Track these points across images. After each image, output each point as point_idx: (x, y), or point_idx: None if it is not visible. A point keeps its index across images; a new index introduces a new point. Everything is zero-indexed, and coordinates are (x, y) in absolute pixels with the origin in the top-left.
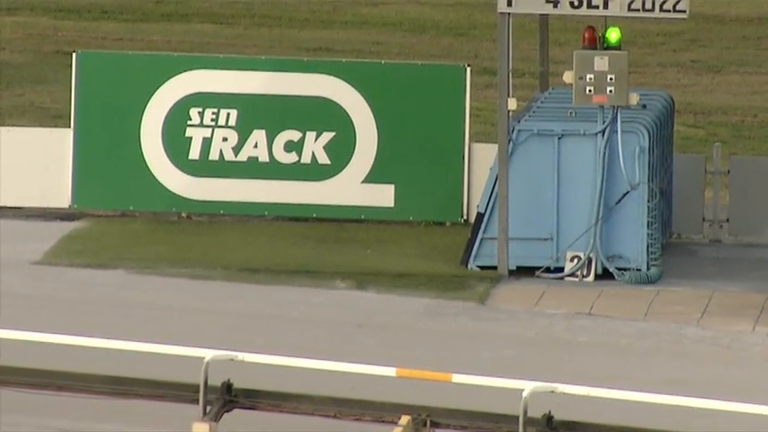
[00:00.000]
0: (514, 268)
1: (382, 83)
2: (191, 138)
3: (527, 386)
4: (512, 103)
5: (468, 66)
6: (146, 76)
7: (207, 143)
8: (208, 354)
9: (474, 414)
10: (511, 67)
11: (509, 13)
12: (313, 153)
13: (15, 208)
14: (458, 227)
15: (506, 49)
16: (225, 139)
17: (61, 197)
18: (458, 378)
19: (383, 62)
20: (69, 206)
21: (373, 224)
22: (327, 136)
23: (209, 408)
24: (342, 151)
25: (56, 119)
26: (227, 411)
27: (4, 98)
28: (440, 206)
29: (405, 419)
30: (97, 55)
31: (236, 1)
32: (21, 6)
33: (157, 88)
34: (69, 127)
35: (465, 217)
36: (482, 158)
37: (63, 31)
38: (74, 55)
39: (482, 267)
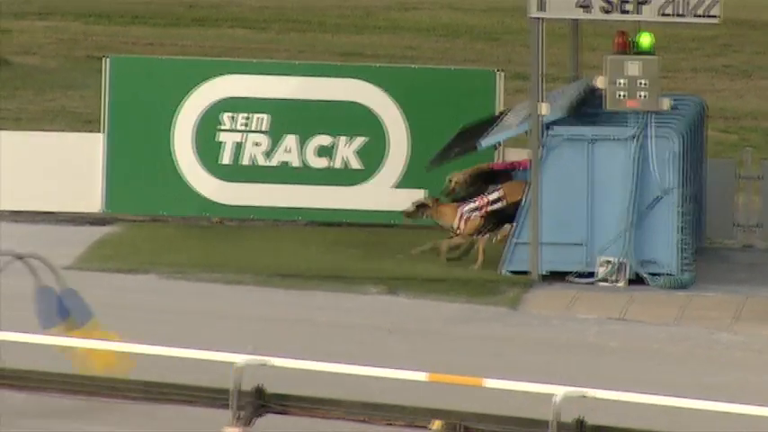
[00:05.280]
0: (546, 273)
1: (414, 88)
2: (222, 142)
3: (558, 391)
4: (544, 109)
5: (502, 71)
6: (177, 80)
7: (238, 148)
8: (239, 359)
9: (505, 419)
10: (543, 72)
11: (540, 18)
12: (345, 158)
13: (46, 213)
14: None
15: (538, 53)
16: (256, 144)
17: (92, 202)
18: (489, 383)
19: (415, 67)
20: (100, 211)
21: (405, 229)
22: (359, 141)
23: (240, 413)
24: (373, 156)
25: (87, 123)
26: (259, 416)
27: (36, 103)
28: None
29: (436, 424)
30: (129, 60)
31: (267, 6)
32: (52, 11)
33: (189, 93)
34: (100, 132)
35: None
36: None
37: (94, 36)
38: (106, 60)
39: (514, 272)
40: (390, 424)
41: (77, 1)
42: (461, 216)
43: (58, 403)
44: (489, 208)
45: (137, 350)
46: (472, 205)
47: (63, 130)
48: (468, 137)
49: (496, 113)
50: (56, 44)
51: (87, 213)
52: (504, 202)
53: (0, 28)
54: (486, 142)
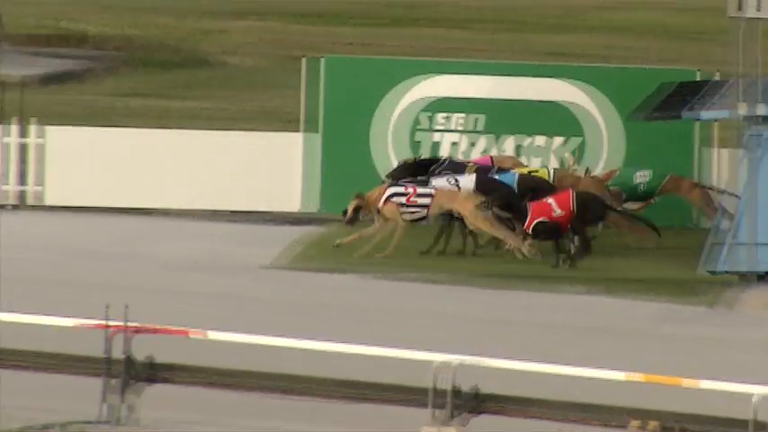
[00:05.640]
0: (759, 273)
1: (622, 87)
2: (435, 142)
3: (757, 390)
4: (746, 109)
5: (718, 70)
6: (391, 80)
7: (451, 147)
8: (436, 357)
9: (704, 418)
10: (757, 72)
11: (741, 18)
12: (557, 157)
13: (245, 212)
14: (687, 231)
15: (739, 53)
16: (471, 144)
17: (290, 201)
18: (690, 383)
19: (619, 67)
20: (300, 210)
21: (604, 229)
22: (573, 141)
23: (438, 412)
24: (587, 155)
25: (287, 123)
26: (457, 415)
27: (236, 102)
28: (670, 210)
29: (650, 425)
30: (343, 60)
31: (465, 6)
32: (251, 11)
33: (403, 93)
34: (299, 131)
35: (694, 222)
36: (727, 164)
37: (293, 36)
38: (320, 60)
39: (717, 272)
40: (605, 425)
41: (278, 1)
42: (385, 197)
43: (250, 401)
44: (413, 199)
45: (336, 349)
46: (400, 189)
47: (262, 130)
48: (677, 102)
49: (713, 80)
50: (255, 44)
51: (286, 213)
52: (430, 201)
53: (202, 29)
54: (705, 116)
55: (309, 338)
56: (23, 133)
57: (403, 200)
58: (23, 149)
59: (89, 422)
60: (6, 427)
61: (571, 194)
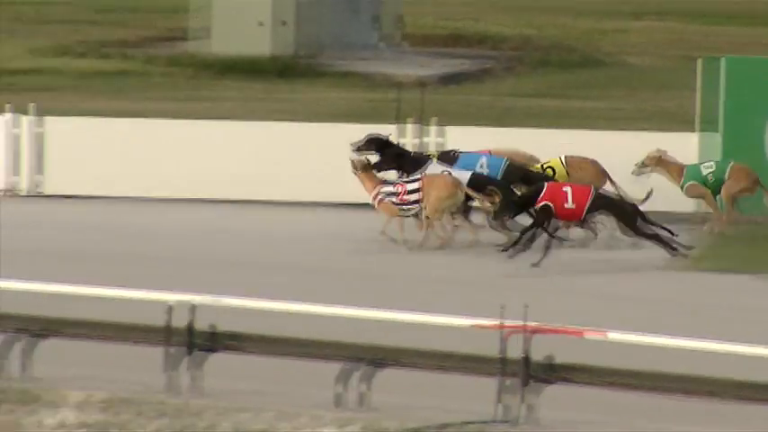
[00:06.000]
0: None
1: None
2: None
3: None
4: None
5: None
6: None
7: None
8: None
9: None
10: None
11: None
12: None
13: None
14: None
15: None
16: None
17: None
18: None
19: None
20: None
21: None
22: None
23: None
24: None
25: (683, 123)
26: None
27: (633, 102)
28: None
29: None
30: (743, 60)
31: None
32: (649, 11)
33: None
34: (693, 131)
35: None
36: None
37: (691, 36)
38: (721, 60)
39: None
40: None
41: (677, 1)
42: (376, 195)
43: (653, 403)
44: (405, 197)
45: (734, 350)
46: (390, 189)
47: (658, 130)
48: None
49: None
50: (655, 44)
51: (679, 212)
52: (420, 195)
53: (600, 29)
54: None
55: (707, 339)
56: (422, 133)
57: (395, 199)
58: (423, 149)
59: (486, 422)
60: (403, 426)
61: (591, 193)
